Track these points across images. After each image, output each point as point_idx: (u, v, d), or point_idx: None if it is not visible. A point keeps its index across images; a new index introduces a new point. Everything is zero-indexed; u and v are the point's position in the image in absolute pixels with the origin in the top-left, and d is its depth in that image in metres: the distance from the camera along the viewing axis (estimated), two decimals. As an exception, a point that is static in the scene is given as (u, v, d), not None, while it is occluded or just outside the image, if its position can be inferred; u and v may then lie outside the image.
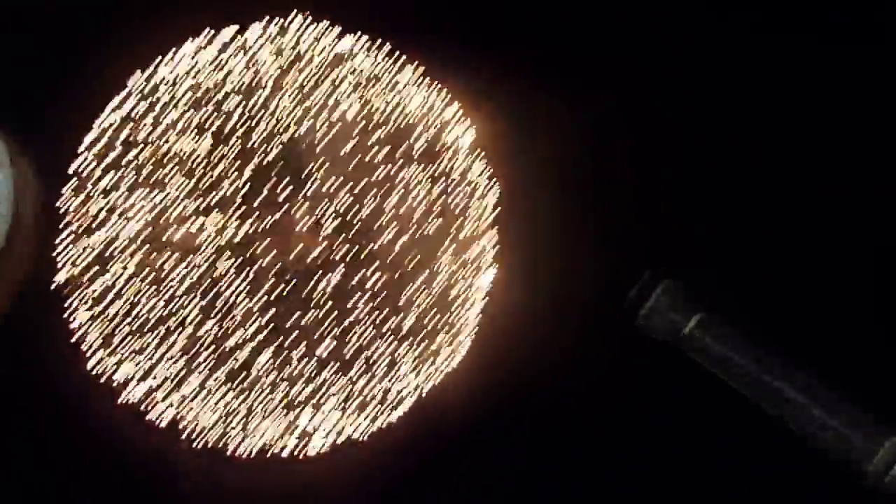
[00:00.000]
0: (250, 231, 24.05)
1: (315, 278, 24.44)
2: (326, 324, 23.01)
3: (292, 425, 24.02)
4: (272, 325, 24.86)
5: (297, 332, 23.09)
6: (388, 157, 23.00)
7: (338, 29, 24.76)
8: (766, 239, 27.31)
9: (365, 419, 24.98)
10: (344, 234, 22.66)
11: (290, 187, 24.28)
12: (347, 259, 22.49)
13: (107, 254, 22.82)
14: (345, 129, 23.63)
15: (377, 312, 22.55)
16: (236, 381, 25.00)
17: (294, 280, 24.56)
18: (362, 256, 22.67)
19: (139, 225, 21.33)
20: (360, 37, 26.15)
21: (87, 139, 25.00)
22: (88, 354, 25.17)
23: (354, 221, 22.65)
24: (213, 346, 24.87)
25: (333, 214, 23.49)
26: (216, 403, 25.58)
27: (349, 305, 22.95)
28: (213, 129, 24.40)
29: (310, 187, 24.08)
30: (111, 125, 24.90)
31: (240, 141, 24.27)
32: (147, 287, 24.21)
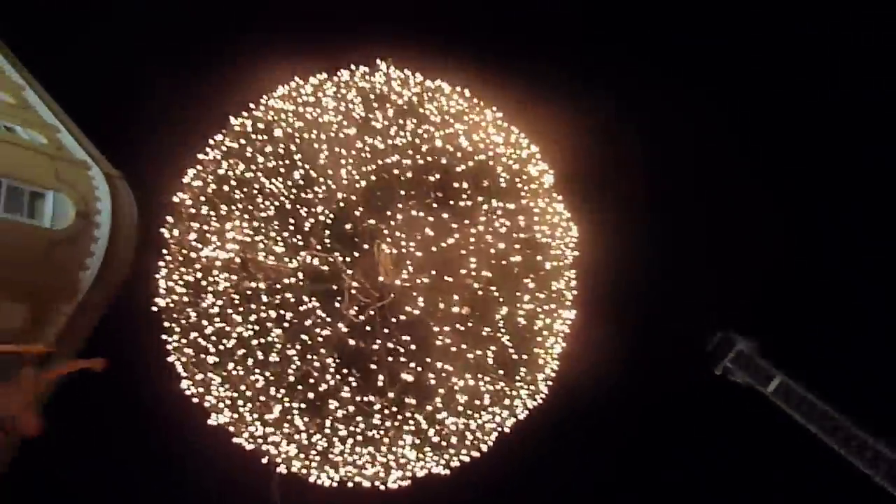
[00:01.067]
0: (336, 263, 24.24)
1: (397, 312, 24.24)
2: (407, 357, 22.84)
3: (374, 458, 23.81)
4: (354, 359, 24.72)
5: (379, 366, 23.05)
6: (472, 192, 23.00)
7: (418, 76, 25.22)
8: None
9: (447, 454, 24.53)
10: (426, 268, 22.63)
11: (374, 221, 24.40)
12: (429, 291, 22.50)
13: (203, 282, 23.39)
14: (428, 166, 23.71)
15: (459, 345, 22.38)
16: (319, 413, 24.93)
17: (376, 313, 24.52)
18: (445, 290, 22.58)
19: (232, 255, 21.91)
20: (442, 81, 26.35)
21: (189, 175, 25.75)
22: (181, 376, 25.62)
23: (435, 252, 22.62)
24: (297, 380, 24.93)
25: (415, 247, 23.45)
26: (299, 433, 25.64)
27: (433, 336, 22.75)
28: (301, 168, 24.72)
29: (393, 222, 24.09)
30: (210, 161, 25.62)
31: (327, 178, 24.51)
32: (237, 316, 24.60)
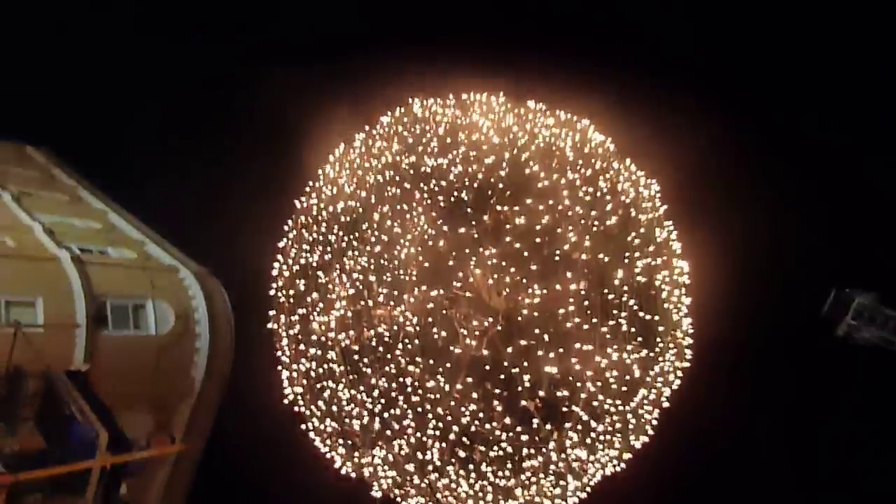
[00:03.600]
0: (440, 303, 23.98)
1: (516, 321, 23.71)
2: (544, 350, 22.15)
3: (547, 468, 22.69)
4: (493, 380, 24.01)
5: (520, 371, 22.39)
6: (545, 174, 22.94)
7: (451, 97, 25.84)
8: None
9: (616, 444, 23.32)
10: (528, 264, 22.31)
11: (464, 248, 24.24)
12: (540, 282, 22.06)
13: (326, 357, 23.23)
14: (493, 166, 23.75)
15: (590, 321, 21.71)
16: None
17: (495, 335, 24.07)
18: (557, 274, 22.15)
19: (342, 311, 21.88)
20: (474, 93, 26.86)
21: (276, 268, 26.09)
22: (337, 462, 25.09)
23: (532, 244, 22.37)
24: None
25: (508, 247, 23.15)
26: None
27: (560, 324, 22.11)
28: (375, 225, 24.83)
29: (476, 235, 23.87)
30: (289, 247, 25.92)
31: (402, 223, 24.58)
32: (348, 377, 24.29)
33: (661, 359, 24.01)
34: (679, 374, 25.08)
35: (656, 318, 23.95)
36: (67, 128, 32.78)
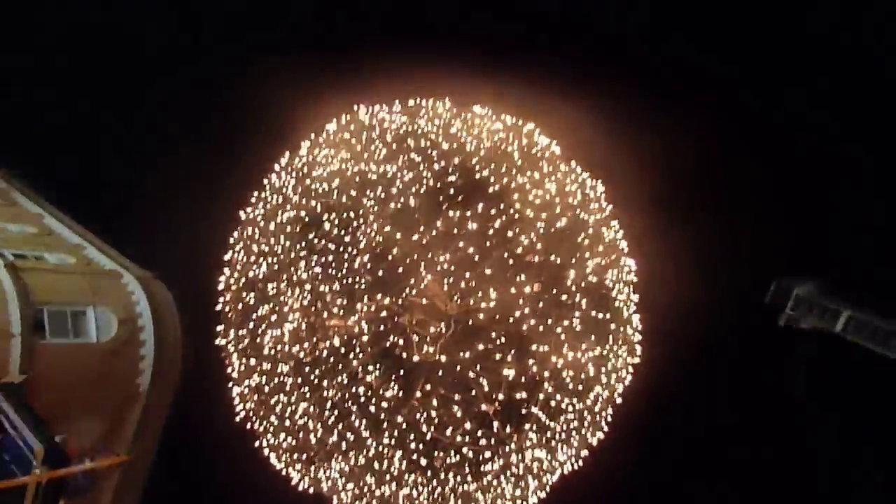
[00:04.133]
0: (392, 309, 23.73)
1: (471, 323, 23.63)
2: (501, 353, 22.23)
3: (507, 469, 22.72)
4: (450, 384, 23.85)
5: (476, 375, 22.36)
6: (495, 178, 23.01)
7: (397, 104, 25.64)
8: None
9: (574, 441, 23.54)
10: (482, 266, 22.36)
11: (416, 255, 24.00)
12: (494, 284, 22.08)
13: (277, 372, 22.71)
14: (443, 171, 23.66)
15: (545, 322, 21.86)
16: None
17: (448, 339, 24.02)
18: (510, 277, 22.23)
19: (296, 323, 21.48)
20: (423, 99, 26.74)
21: (223, 280, 25.36)
22: (292, 476, 24.56)
23: (486, 247, 22.43)
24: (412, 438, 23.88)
25: (462, 251, 23.09)
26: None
27: (516, 326, 22.18)
28: (328, 222, 24.49)
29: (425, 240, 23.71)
30: (236, 258, 25.24)
31: (354, 226, 24.30)
32: (301, 390, 23.87)
33: (612, 355, 24.46)
34: (631, 369, 25.60)
35: (608, 316, 24.39)
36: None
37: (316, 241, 23.46)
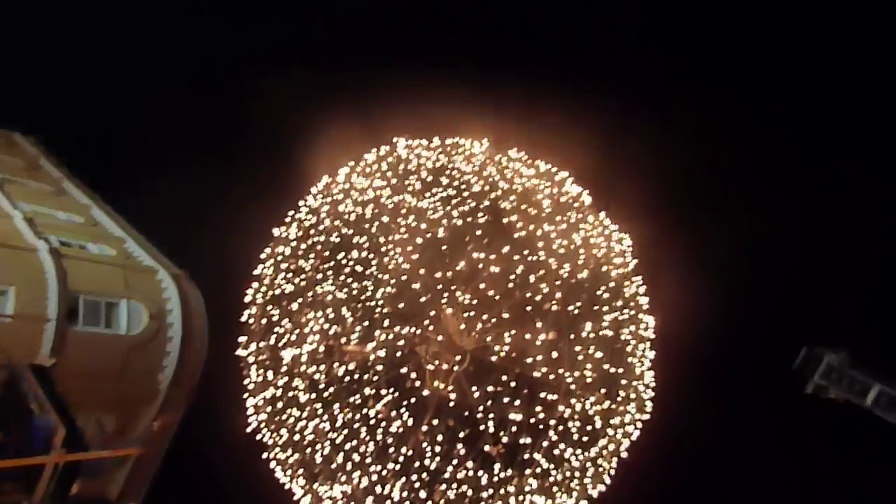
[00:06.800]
0: (409, 340, 24.19)
1: (484, 363, 24.03)
2: (509, 397, 22.54)
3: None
4: (458, 420, 24.21)
5: (483, 414, 22.70)
6: (522, 224, 23.44)
7: (436, 139, 26.29)
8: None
9: (575, 491, 23.67)
10: (501, 308, 22.71)
11: (438, 287, 24.50)
12: (512, 326, 22.45)
13: (291, 385, 23.31)
14: (473, 211, 24.07)
15: (556, 371, 22.14)
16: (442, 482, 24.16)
17: (461, 374, 24.37)
18: (527, 321, 22.54)
19: (315, 346, 22.07)
20: (460, 138, 27.36)
21: (249, 293, 26.16)
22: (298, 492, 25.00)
23: (505, 290, 22.80)
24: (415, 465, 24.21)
25: (483, 292, 23.47)
26: None
27: (527, 371, 22.54)
28: (353, 255, 25.08)
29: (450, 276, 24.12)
30: (264, 275, 25.97)
31: (380, 256, 24.82)
32: (314, 409, 24.39)
33: (621, 409, 24.56)
34: (639, 425, 25.64)
35: (620, 370, 24.52)
36: (60, 119, 32.40)
37: (343, 264, 24.08)
